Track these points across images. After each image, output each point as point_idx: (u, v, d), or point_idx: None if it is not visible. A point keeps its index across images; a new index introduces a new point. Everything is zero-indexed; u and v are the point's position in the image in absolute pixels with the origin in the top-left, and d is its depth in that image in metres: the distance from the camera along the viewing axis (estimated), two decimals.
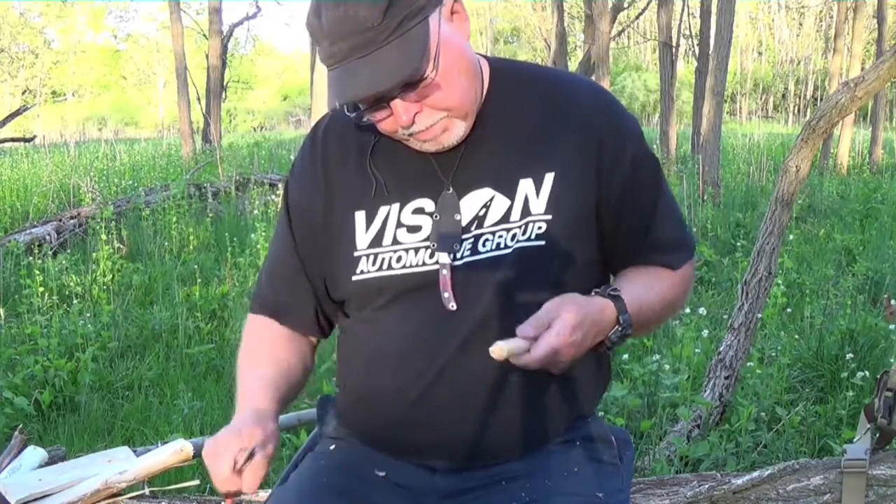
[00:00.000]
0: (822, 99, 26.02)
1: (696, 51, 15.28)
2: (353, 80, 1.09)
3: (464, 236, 1.19)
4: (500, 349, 1.07)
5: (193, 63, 19.74)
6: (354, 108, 1.15)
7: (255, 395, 1.24)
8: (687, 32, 19.34)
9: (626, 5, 17.86)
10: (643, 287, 1.24)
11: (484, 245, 1.19)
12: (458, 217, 1.20)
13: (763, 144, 14.54)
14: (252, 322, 1.37)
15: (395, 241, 1.22)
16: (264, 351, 1.32)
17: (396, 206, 1.23)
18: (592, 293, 1.19)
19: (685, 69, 29.37)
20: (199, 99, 18.00)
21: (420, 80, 1.10)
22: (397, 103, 1.12)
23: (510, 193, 1.20)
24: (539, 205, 1.19)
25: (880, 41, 13.79)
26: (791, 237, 6.50)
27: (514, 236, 1.18)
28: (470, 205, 1.20)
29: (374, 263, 1.22)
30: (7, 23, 39.47)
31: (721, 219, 7.88)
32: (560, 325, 1.09)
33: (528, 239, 1.18)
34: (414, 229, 1.22)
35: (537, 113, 1.22)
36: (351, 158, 1.27)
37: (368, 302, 1.24)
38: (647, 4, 19.32)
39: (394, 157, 1.23)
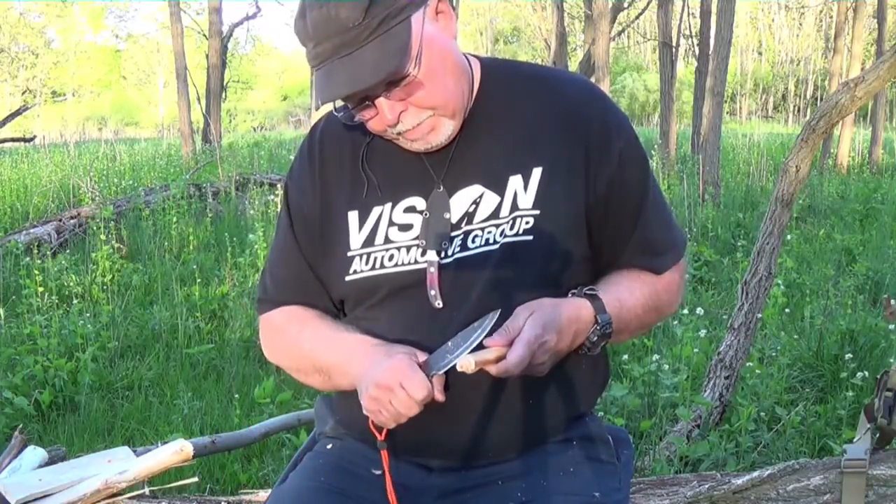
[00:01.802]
0: (822, 99, 26.01)
1: (696, 51, 15.28)
2: (336, 79, 1.10)
3: (454, 233, 1.20)
4: (467, 362, 1.07)
5: (193, 63, 19.75)
6: (343, 108, 1.16)
7: (360, 339, 1.22)
8: (687, 32, 19.33)
9: (626, 5, 17.84)
10: (626, 290, 1.23)
11: (473, 241, 1.19)
12: (447, 215, 1.20)
13: (763, 144, 14.54)
14: (277, 314, 1.33)
15: (388, 240, 1.23)
16: (319, 318, 1.29)
17: (389, 205, 1.24)
18: (570, 294, 1.19)
19: (685, 69, 29.37)
20: (199, 99, 18.00)
21: (402, 78, 1.11)
22: (382, 102, 1.13)
23: (500, 190, 1.20)
24: (527, 200, 1.19)
25: (880, 41, 13.79)
26: (791, 237, 6.50)
27: (502, 232, 1.19)
28: (460, 202, 1.21)
29: (367, 263, 1.23)
30: (7, 23, 39.49)
31: (721, 219, 7.87)
32: (530, 326, 1.09)
33: (516, 234, 1.18)
34: (406, 228, 1.22)
35: (527, 110, 1.23)
36: (346, 159, 1.27)
37: (363, 301, 1.25)
38: (647, 4, 19.31)
39: (386, 157, 1.24)
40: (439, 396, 1.11)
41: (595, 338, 1.18)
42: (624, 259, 1.26)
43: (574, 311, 1.16)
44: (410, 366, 1.11)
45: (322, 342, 1.26)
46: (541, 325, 1.10)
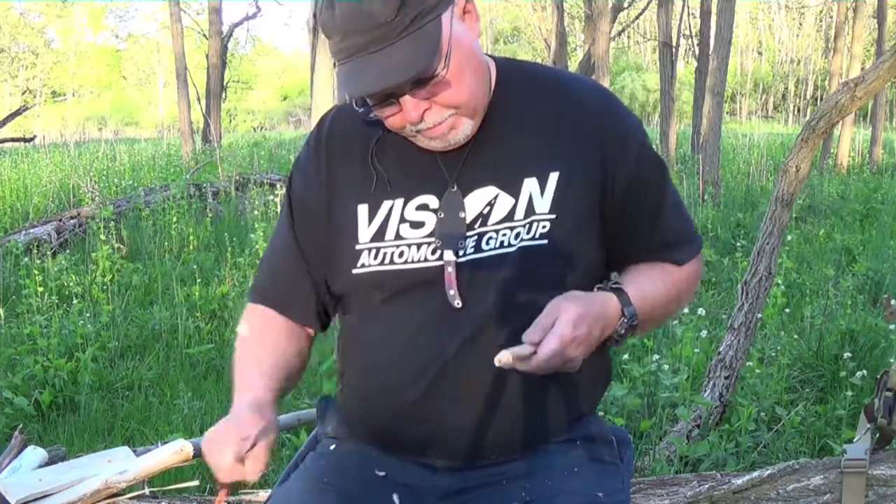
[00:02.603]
0: (822, 99, 26.01)
1: (696, 51, 15.29)
2: (365, 74, 1.09)
3: (468, 234, 1.20)
4: (506, 357, 1.07)
5: (193, 63, 19.76)
6: (363, 103, 1.16)
7: (253, 385, 1.24)
8: (687, 32, 19.33)
9: (626, 5, 17.85)
10: (649, 281, 1.24)
11: (488, 243, 1.19)
12: (462, 215, 1.20)
13: (763, 144, 14.54)
14: (251, 311, 1.37)
15: (398, 237, 1.22)
16: (263, 341, 1.32)
17: (400, 201, 1.23)
18: (595, 289, 1.19)
19: (685, 69, 29.38)
20: (199, 99, 17.99)
21: (431, 77, 1.10)
22: (407, 99, 1.12)
23: (514, 192, 1.20)
24: (543, 204, 1.19)
25: (880, 41, 13.79)
26: (791, 237, 6.50)
27: (517, 235, 1.18)
28: (474, 203, 1.20)
29: (375, 257, 1.23)
30: (7, 23, 39.49)
31: (721, 219, 7.88)
32: (562, 321, 1.09)
33: (533, 238, 1.18)
34: (417, 225, 1.22)
35: (543, 113, 1.23)
36: (355, 152, 1.27)
37: (369, 297, 1.24)
38: (647, 4, 19.31)
39: (399, 153, 1.24)
40: (248, 477, 1.14)
41: (622, 330, 1.18)
42: (646, 257, 1.28)
43: (602, 305, 1.16)
44: (227, 440, 1.13)
45: (241, 367, 1.30)
46: (572, 321, 1.09)
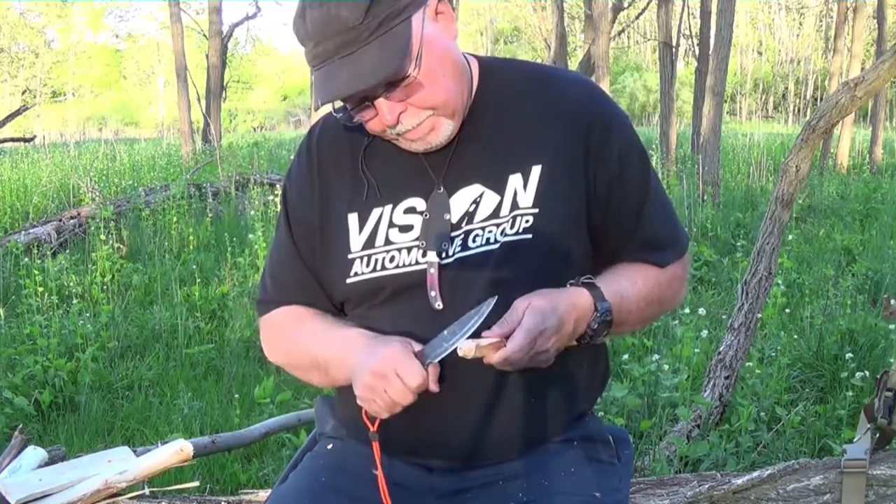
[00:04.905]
0: (822, 99, 25.99)
1: (696, 51, 15.28)
2: (336, 79, 1.10)
3: (454, 233, 1.20)
4: (468, 347, 1.07)
5: (193, 63, 19.75)
6: (342, 108, 1.16)
7: (350, 331, 1.22)
8: (687, 32, 19.33)
9: (626, 5, 17.83)
10: (626, 281, 1.23)
11: (474, 241, 1.19)
12: (447, 216, 1.20)
13: (763, 144, 14.54)
14: (277, 314, 1.33)
15: (388, 242, 1.22)
16: (313, 319, 1.29)
17: (389, 206, 1.23)
18: (567, 285, 1.18)
19: (685, 69, 29.37)
20: (199, 99, 17.99)
21: (402, 79, 1.11)
22: (381, 102, 1.13)
23: (499, 189, 1.20)
24: (526, 198, 1.19)
25: (880, 41, 13.80)
26: (791, 237, 6.50)
27: (502, 231, 1.18)
28: (460, 202, 1.20)
29: (367, 265, 1.23)
30: (7, 23, 39.46)
31: (721, 219, 7.88)
32: (529, 315, 1.09)
33: (516, 233, 1.18)
34: (406, 229, 1.22)
35: (527, 109, 1.23)
36: (344, 161, 1.27)
37: (364, 302, 1.25)
38: (647, 4, 19.28)
39: (386, 158, 1.24)
40: (433, 387, 1.10)
41: (596, 325, 1.17)
42: (628, 255, 1.26)
43: (572, 298, 1.15)
44: (406, 354, 1.10)
45: (319, 337, 1.26)
46: (539, 312, 1.10)
